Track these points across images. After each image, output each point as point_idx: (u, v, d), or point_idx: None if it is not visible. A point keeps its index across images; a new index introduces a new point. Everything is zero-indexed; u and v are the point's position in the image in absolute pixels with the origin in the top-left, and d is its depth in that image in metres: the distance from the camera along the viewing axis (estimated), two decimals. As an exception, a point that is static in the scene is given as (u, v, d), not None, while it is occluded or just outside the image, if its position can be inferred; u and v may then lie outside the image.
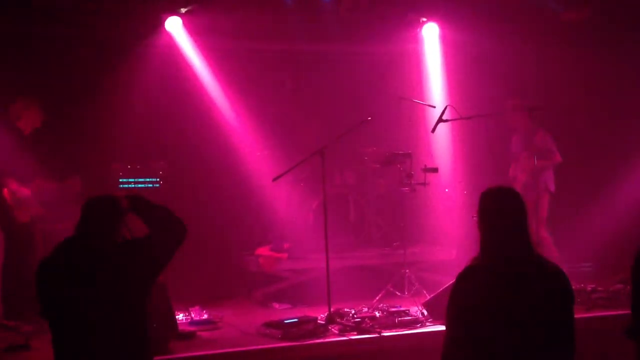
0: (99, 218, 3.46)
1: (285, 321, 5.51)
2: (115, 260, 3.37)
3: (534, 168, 6.89)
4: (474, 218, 3.24)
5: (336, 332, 5.50)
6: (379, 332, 5.43)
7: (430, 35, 8.06)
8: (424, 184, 6.73)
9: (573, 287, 3.15)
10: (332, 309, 5.75)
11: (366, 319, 5.68)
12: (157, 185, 7.11)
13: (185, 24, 7.37)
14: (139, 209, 3.58)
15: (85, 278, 3.31)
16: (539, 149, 7.04)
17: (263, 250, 7.34)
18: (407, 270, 6.53)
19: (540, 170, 6.98)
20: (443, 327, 3.15)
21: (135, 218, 3.63)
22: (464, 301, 3.03)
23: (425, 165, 6.76)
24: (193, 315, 6.05)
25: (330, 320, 5.64)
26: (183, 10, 7.26)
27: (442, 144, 7.83)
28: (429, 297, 5.96)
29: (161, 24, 7.31)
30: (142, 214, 3.58)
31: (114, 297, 3.31)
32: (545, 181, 7.09)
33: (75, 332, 3.32)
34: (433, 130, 6.62)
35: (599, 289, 6.30)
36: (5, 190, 6.01)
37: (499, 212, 3.14)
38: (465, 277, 3.08)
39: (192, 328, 5.73)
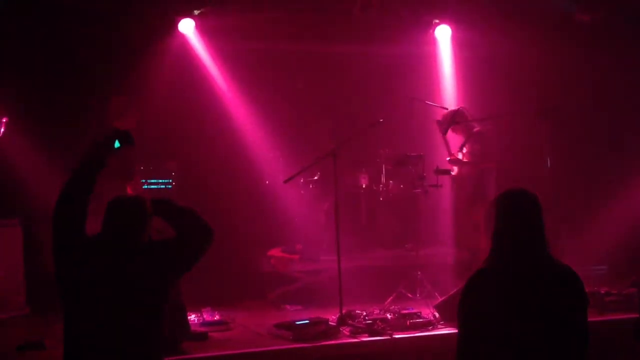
0: (125, 219, 3.46)
1: (297, 322, 5.51)
2: (138, 261, 3.38)
3: (467, 172, 6.79)
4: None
5: (347, 333, 5.50)
6: (391, 334, 5.41)
7: (443, 37, 8.05)
8: (436, 185, 6.70)
9: (586, 290, 3.12)
10: (343, 311, 5.75)
11: (377, 321, 5.67)
12: (170, 186, 7.15)
13: (198, 26, 7.41)
14: (163, 213, 3.58)
15: (106, 275, 3.32)
16: (471, 153, 6.79)
17: (275, 252, 7.36)
18: (419, 272, 6.51)
19: (474, 175, 6.77)
20: (455, 330, 3.14)
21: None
22: (475, 304, 3.02)
23: (438, 167, 6.74)
24: (205, 316, 6.07)
25: (341, 321, 5.64)
26: (196, 12, 7.30)
27: (454, 146, 7.79)
28: (440, 300, 5.95)
29: (174, 25, 7.35)
30: (166, 218, 3.58)
31: (131, 297, 3.32)
32: (482, 187, 6.72)
33: (87, 326, 3.33)
34: (445, 132, 6.61)
35: (613, 292, 6.24)
36: (129, 187, 6.07)
37: (515, 214, 3.13)
38: (477, 280, 3.07)
39: (204, 329, 5.74)
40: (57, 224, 3.48)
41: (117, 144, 3.67)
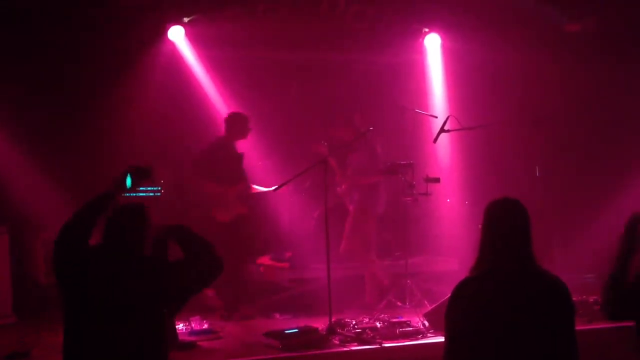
0: (124, 225, 3.43)
1: (286, 331, 5.49)
2: (139, 273, 3.34)
3: (354, 183, 6.77)
4: (480, 227, 3.22)
5: (337, 342, 5.47)
6: (380, 343, 5.40)
7: (433, 46, 8.08)
8: (426, 194, 6.70)
9: (575, 299, 3.12)
10: (333, 319, 5.73)
11: (367, 330, 5.65)
12: (158, 194, 7.12)
13: (187, 33, 7.41)
14: (177, 237, 3.54)
15: (106, 286, 3.28)
16: (359, 163, 6.74)
17: (264, 260, 7.33)
18: (408, 281, 6.51)
19: (358, 187, 6.75)
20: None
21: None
22: (461, 312, 3.02)
23: (427, 175, 6.73)
24: (193, 325, 6.02)
25: (331, 330, 5.61)
26: (186, 19, 7.29)
27: (444, 154, 7.83)
28: (430, 308, 5.94)
29: (164, 32, 7.34)
30: (179, 242, 3.53)
31: (130, 309, 3.28)
32: (366, 199, 6.71)
33: (87, 336, 3.28)
34: (435, 140, 6.62)
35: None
36: (205, 190, 6.51)
37: (502, 223, 3.12)
38: (463, 288, 3.07)
39: (192, 338, 5.70)
40: (59, 252, 3.42)
41: (128, 182, 3.62)
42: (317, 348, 5.35)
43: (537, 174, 6.83)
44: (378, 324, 5.84)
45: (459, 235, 7.20)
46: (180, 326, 5.88)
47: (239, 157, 6.76)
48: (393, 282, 6.71)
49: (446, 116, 6.62)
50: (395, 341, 5.48)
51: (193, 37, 7.45)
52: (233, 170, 6.66)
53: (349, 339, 5.50)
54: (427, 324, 5.75)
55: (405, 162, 6.75)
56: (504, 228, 3.10)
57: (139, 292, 3.31)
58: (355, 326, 5.77)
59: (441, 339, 3.24)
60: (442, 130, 6.53)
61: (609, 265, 3.20)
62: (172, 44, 7.44)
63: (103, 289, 3.29)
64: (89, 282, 3.32)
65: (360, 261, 6.78)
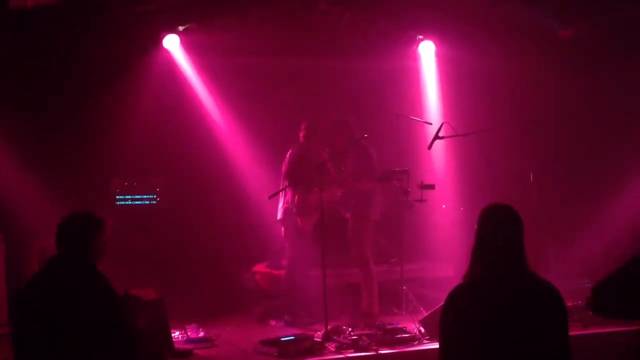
0: (72, 237, 3.42)
1: (282, 339, 5.49)
2: (84, 285, 3.33)
3: (350, 189, 6.77)
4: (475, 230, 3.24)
5: (333, 349, 5.47)
6: (376, 350, 5.39)
7: (427, 53, 8.11)
8: (421, 200, 6.71)
9: (570, 304, 3.14)
10: (329, 326, 5.73)
11: (363, 337, 5.64)
12: (154, 202, 7.12)
13: (182, 42, 7.43)
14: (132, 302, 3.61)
15: (58, 307, 3.28)
16: (355, 169, 6.75)
17: (260, 267, 7.33)
18: (404, 287, 6.51)
19: (354, 193, 6.76)
20: (439, 345, 3.14)
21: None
22: (455, 318, 3.03)
23: (422, 182, 6.75)
24: (189, 333, 6.01)
25: (327, 337, 5.62)
26: (181, 28, 7.31)
27: (438, 161, 7.84)
28: (426, 314, 5.94)
29: (159, 41, 7.36)
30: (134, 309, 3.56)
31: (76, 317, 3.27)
32: (363, 205, 6.72)
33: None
34: (429, 146, 6.65)
35: (597, 305, 6.24)
36: (297, 198, 6.67)
37: (495, 228, 3.14)
38: (457, 294, 3.08)
39: (188, 346, 5.69)
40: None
41: None
42: (313, 355, 5.34)
43: (531, 180, 6.85)
44: (374, 331, 5.83)
45: (454, 241, 7.21)
46: (176, 334, 5.87)
47: (318, 163, 6.56)
48: (389, 289, 6.73)
49: (441, 123, 6.65)
50: (391, 348, 5.48)
51: (188, 45, 7.48)
52: (310, 176, 6.66)
53: (345, 345, 5.50)
54: (423, 330, 5.75)
55: (400, 169, 6.76)
56: (496, 234, 3.12)
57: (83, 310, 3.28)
58: (351, 333, 5.77)
59: (436, 345, 3.26)
60: (436, 136, 6.56)
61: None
62: (167, 52, 7.46)
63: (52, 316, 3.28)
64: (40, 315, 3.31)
65: (360, 267, 6.77)
